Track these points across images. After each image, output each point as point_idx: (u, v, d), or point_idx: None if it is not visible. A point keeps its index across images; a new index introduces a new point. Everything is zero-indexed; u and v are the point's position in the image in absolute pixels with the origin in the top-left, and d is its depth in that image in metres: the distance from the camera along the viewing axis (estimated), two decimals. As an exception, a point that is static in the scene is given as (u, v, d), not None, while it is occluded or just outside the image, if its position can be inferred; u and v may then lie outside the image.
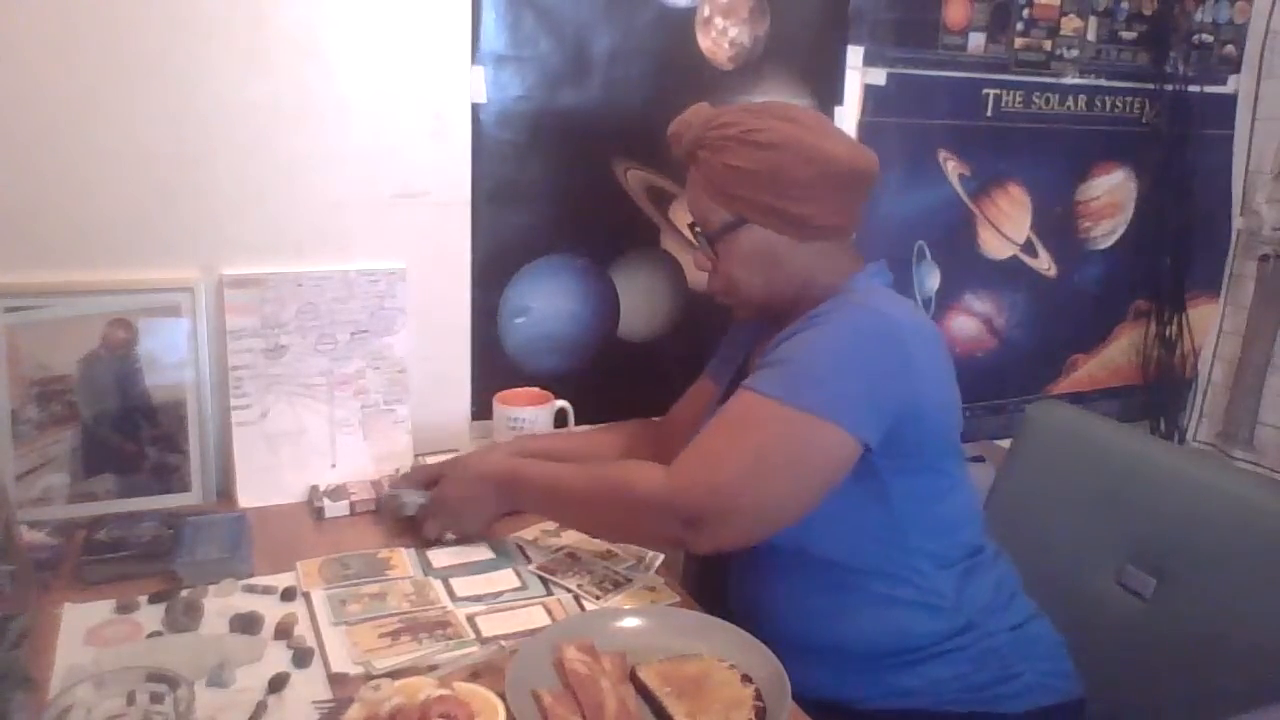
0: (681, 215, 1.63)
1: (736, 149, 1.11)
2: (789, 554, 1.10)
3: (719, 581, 1.21)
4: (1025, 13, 1.86)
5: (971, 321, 1.98)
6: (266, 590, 1.09)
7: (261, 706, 0.88)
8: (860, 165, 1.12)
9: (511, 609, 1.09)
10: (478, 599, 1.10)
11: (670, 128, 1.19)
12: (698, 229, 1.19)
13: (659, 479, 1.05)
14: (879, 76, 1.74)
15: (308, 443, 1.38)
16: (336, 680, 0.93)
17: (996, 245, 1.95)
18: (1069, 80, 1.94)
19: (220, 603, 1.05)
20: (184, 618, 1.01)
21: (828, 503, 1.04)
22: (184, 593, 1.06)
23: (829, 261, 1.15)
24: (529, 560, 1.20)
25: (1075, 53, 1.94)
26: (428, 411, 1.48)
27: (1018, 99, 1.90)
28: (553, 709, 0.86)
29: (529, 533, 1.27)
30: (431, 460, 1.42)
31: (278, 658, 0.97)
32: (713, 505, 1.02)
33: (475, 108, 1.45)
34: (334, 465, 1.39)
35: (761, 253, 1.14)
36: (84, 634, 0.99)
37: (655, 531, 1.10)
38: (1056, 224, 2.00)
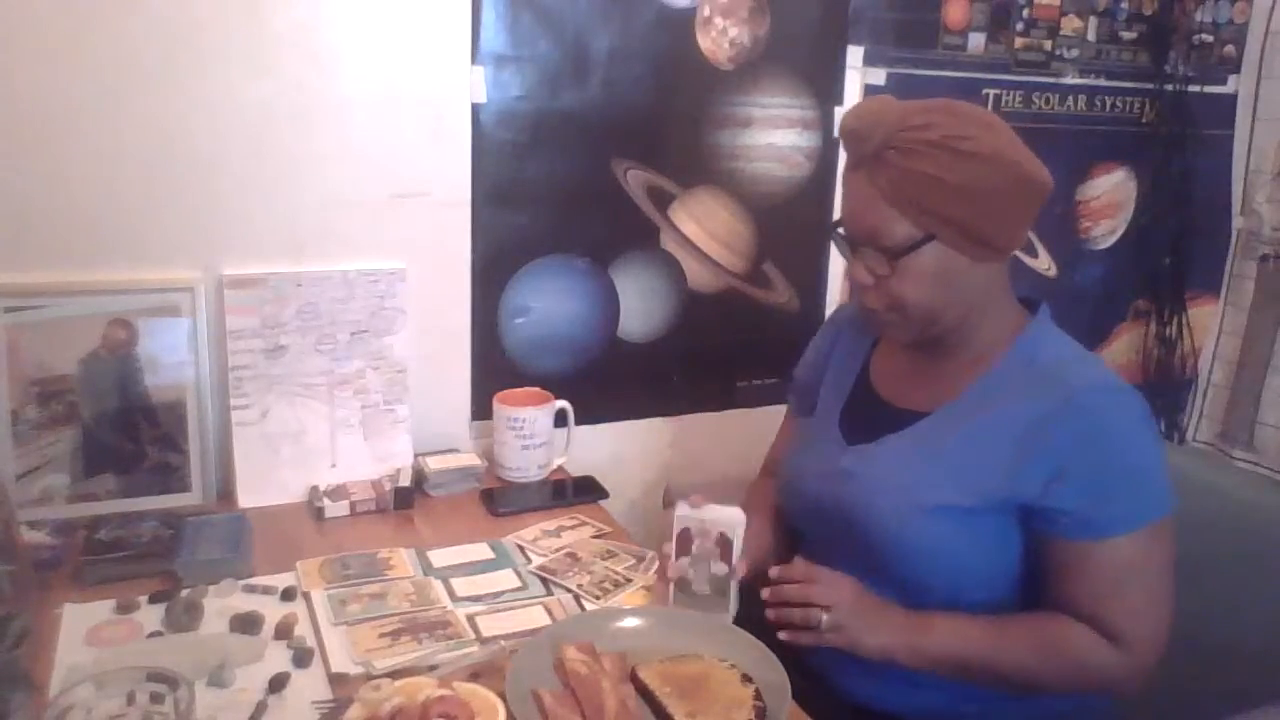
0: (682, 216, 1.63)
1: (936, 156, 0.99)
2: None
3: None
4: (1025, 13, 1.86)
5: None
6: (266, 590, 1.09)
7: (261, 706, 0.88)
8: (1047, 183, 1.05)
9: (511, 609, 1.09)
10: (478, 599, 1.10)
11: (849, 121, 1.05)
12: (859, 240, 1.05)
13: (1110, 654, 0.99)
14: (879, 76, 1.74)
15: (308, 443, 1.38)
16: (336, 680, 0.93)
17: (996, 245, 1.95)
18: (1069, 80, 1.94)
19: (220, 603, 1.05)
20: (184, 618, 1.01)
21: (996, 555, 1.04)
22: (184, 593, 1.06)
23: (994, 286, 1.07)
24: (529, 560, 1.20)
25: (1075, 53, 1.93)
26: (428, 411, 1.48)
27: (1018, 99, 1.90)
28: (553, 709, 0.86)
29: (529, 533, 1.28)
30: (434, 461, 1.42)
31: (278, 658, 0.97)
32: (1160, 655, 1.01)
33: (475, 108, 1.45)
34: (334, 465, 1.39)
35: (941, 272, 1.02)
36: (84, 634, 0.99)
37: (1102, 691, 1.06)
38: (1056, 224, 2.00)
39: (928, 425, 1.08)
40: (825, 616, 0.99)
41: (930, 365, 1.11)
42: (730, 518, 1.06)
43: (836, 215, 1.73)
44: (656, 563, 1.19)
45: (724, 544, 1.05)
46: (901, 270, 1.02)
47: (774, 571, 1.04)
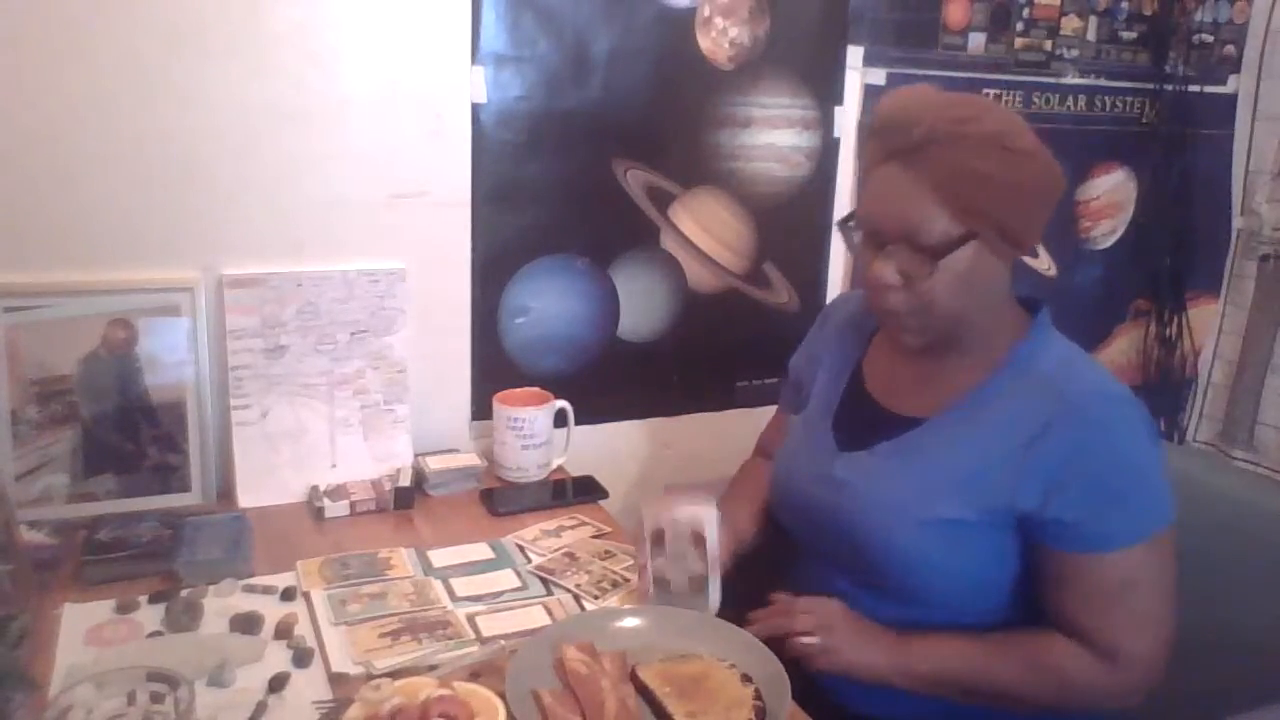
0: (682, 216, 1.63)
1: (986, 151, 0.95)
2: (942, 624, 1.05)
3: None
4: (1025, 13, 1.86)
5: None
6: (266, 590, 1.09)
7: (261, 706, 0.88)
8: (1065, 182, 1.04)
9: (511, 609, 1.09)
10: (478, 599, 1.10)
11: (888, 110, 1.01)
12: (889, 237, 0.99)
13: (1099, 672, 0.98)
14: (879, 76, 1.74)
15: (308, 443, 1.38)
16: (336, 680, 0.93)
17: (996, 245, 1.95)
18: (1069, 80, 1.94)
19: (220, 603, 1.05)
20: (184, 618, 1.01)
21: (992, 569, 1.03)
22: (184, 593, 1.06)
23: (1005, 287, 1.06)
24: (529, 560, 1.20)
25: (1075, 53, 1.93)
26: (428, 411, 1.48)
27: (1018, 99, 1.90)
28: (553, 709, 0.86)
29: (529, 533, 1.28)
30: (434, 461, 1.42)
31: (278, 658, 0.97)
32: (1160, 673, 0.99)
33: (475, 108, 1.45)
34: (334, 465, 1.39)
35: (974, 273, 0.99)
36: (84, 634, 0.99)
37: (1092, 710, 1.02)
38: (1056, 224, 2.00)
39: (923, 434, 1.06)
40: (815, 641, 1.00)
41: (927, 369, 1.09)
42: (700, 515, 1.04)
43: (838, 213, 1.75)
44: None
45: (698, 540, 1.04)
46: (938, 271, 0.97)
47: (755, 615, 1.05)
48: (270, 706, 0.89)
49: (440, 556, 1.20)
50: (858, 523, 1.05)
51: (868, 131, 1.05)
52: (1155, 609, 0.99)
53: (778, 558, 1.21)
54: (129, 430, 1.29)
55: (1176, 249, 2.13)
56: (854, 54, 1.71)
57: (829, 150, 1.72)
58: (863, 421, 1.12)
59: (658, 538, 1.06)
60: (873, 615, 1.06)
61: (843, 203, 1.77)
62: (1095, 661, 0.98)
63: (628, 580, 1.15)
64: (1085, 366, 1.06)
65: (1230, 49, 2.10)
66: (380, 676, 0.89)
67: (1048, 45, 1.90)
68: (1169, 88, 2.03)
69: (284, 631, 1.00)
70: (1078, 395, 1.00)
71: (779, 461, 1.22)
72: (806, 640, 1.00)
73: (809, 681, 1.06)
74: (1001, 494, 0.99)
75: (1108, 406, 1.00)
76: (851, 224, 1.09)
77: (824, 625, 1.01)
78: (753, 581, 1.26)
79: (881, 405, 1.13)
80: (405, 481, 1.36)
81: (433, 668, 0.95)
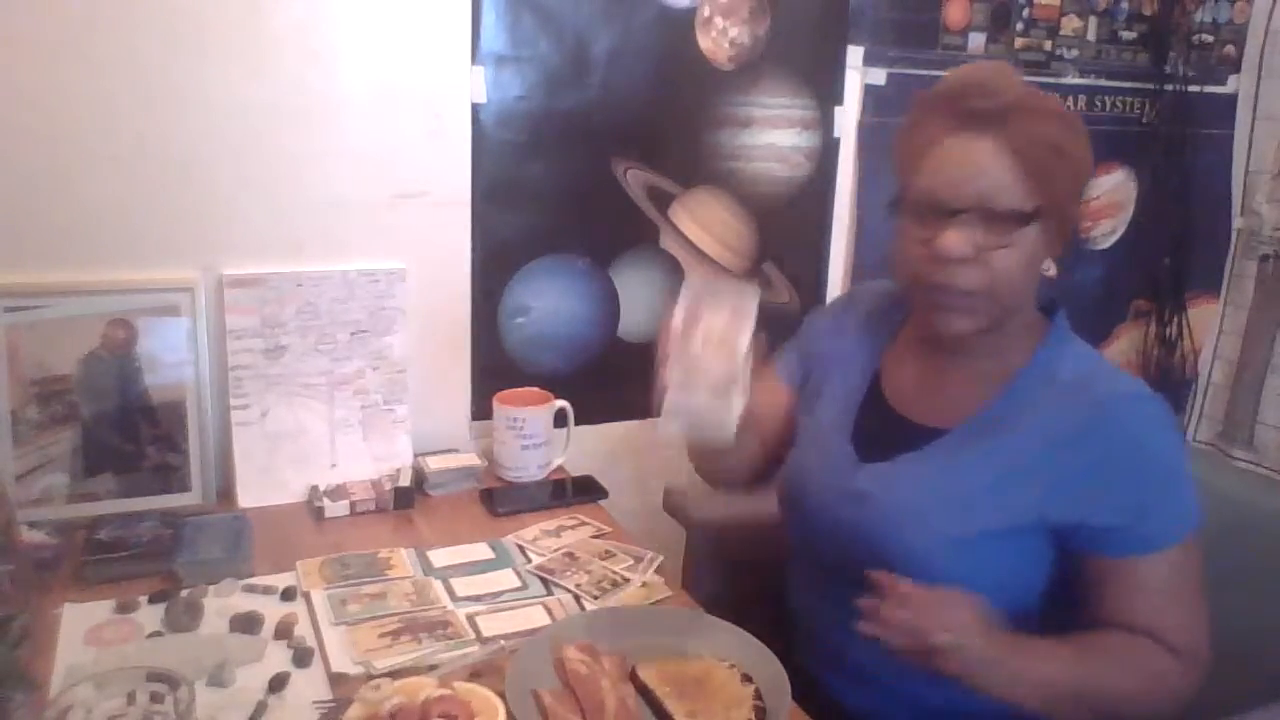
0: (683, 217, 1.63)
1: (1064, 125, 0.97)
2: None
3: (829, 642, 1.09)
4: (1025, 13, 1.86)
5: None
6: (266, 590, 1.09)
7: (261, 706, 0.88)
8: None
9: (511, 609, 1.09)
10: (478, 599, 1.10)
11: (969, 74, 1.00)
12: (965, 204, 0.95)
13: (1175, 667, 0.94)
14: (879, 76, 1.74)
15: (308, 443, 1.37)
16: (336, 680, 0.94)
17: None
18: (1069, 80, 1.94)
19: (220, 603, 1.05)
20: (184, 618, 1.01)
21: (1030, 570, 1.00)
22: (184, 593, 1.06)
23: (1036, 286, 1.04)
24: (529, 560, 1.20)
25: (1075, 53, 1.93)
26: (428, 411, 1.48)
27: (1018, 99, 1.89)
28: (553, 709, 0.86)
29: (529, 533, 1.28)
30: (434, 461, 1.42)
31: (278, 658, 0.97)
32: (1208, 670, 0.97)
33: (475, 108, 1.45)
34: (334, 465, 1.39)
35: (1034, 256, 0.99)
36: (84, 634, 0.99)
37: (1164, 713, 0.97)
38: (1056, 224, 2.00)
39: (949, 445, 1.03)
40: (946, 638, 0.87)
41: (948, 375, 1.06)
42: (743, 288, 0.95)
43: (838, 213, 1.75)
44: (656, 563, 1.19)
45: (735, 321, 0.94)
46: (1010, 245, 0.96)
47: (870, 604, 0.88)
48: (270, 706, 0.89)
49: (440, 556, 1.20)
50: (881, 536, 1.01)
51: (929, 102, 1.00)
52: (1199, 606, 0.97)
53: (774, 559, 1.21)
54: (129, 430, 1.29)
55: (1176, 249, 2.13)
56: (854, 54, 1.71)
57: (829, 150, 1.72)
58: (882, 431, 1.09)
59: (688, 322, 0.95)
60: None
61: (843, 202, 1.77)
62: (1175, 662, 0.95)
63: (627, 580, 1.15)
64: (1108, 369, 1.05)
65: (1230, 49, 2.10)
66: (380, 676, 0.89)
67: (1048, 45, 1.90)
68: (1169, 88, 2.03)
69: (284, 631, 1.00)
70: (1108, 398, 0.98)
71: (791, 470, 1.17)
72: (942, 640, 0.88)
73: (809, 682, 1.06)
74: (1031, 504, 0.97)
75: (1139, 407, 0.99)
76: (904, 201, 1.03)
77: (962, 625, 0.89)
78: (750, 586, 1.26)
79: (901, 414, 1.09)
80: (405, 481, 1.36)
81: (433, 668, 0.95)
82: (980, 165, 0.96)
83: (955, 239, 0.96)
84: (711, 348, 0.92)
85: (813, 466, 1.13)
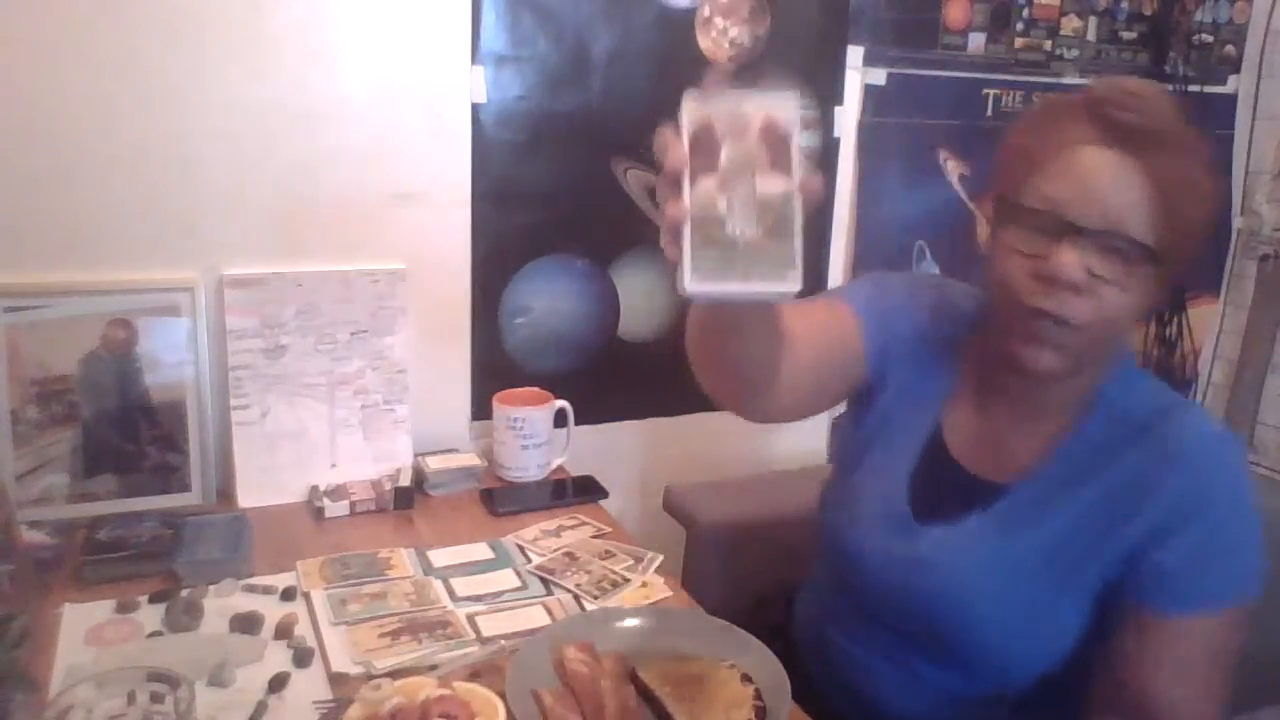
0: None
1: (1207, 174, 0.88)
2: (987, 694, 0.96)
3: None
4: (1025, 13, 1.86)
5: (971, 321, 1.97)
6: (266, 590, 1.09)
7: (261, 706, 0.88)
8: None
9: (511, 609, 1.09)
10: (478, 599, 1.10)
11: (1119, 91, 0.87)
12: (1092, 226, 0.85)
13: None
14: (879, 76, 1.74)
15: (308, 443, 1.37)
16: (336, 680, 0.93)
17: (996, 245, 1.95)
18: (1069, 80, 1.94)
19: (220, 603, 1.05)
20: (184, 618, 1.01)
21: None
22: (184, 593, 1.06)
23: None
24: (529, 560, 1.20)
25: (1075, 53, 1.93)
26: (428, 411, 1.48)
27: (1018, 99, 1.89)
28: (553, 709, 0.86)
29: (529, 533, 1.28)
30: (434, 461, 1.42)
31: (278, 658, 0.97)
32: None
33: (475, 108, 1.45)
34: (334, 465, 1.39)
35: (1142, 303, 0.90)
36: (84, 634, 0.99)
37: None
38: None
39: (1015, 502, 0.95)
40: None
41: (1009, 418, 0.98)
42: (779, 104, 0.66)
43: (838, 213, 1.75)
44: (655, 563, 1.18)
45: (774, 144, 0.64)
46: (1129, 280, 0.86)
47: None
48: (270, 706, 0.89)
49: (440, 556, 1.20)
50: (945, 606, 0.95)
51: (1068, 104, 0.90)
52: (1217, 686, 0.90)
53: (775, 560, 1.20)
54: (129, 430, 1.29)
55: (1176, 249, 2.13)
56: (854, 54, 1.71)
57: (829, 150, 1.72)
58: (942, 486, 1.00)
59: (703, 144, 0.64)
60: (924, 680, 0.99)
61: (843, 202, 1.77)
62: None
63: (628, 580, 1.15)
64: (1182, 404, 0.97)
65: (1230, 49, 2.10)
66: (380, 676, 0.89)
67: (1048, 45, 1.90)
68: (1169, 88, 2.03)
69: (284, 631, 1.00)
70: (1183, 439, 0.91)
71: (841, 515, 1.06)
72: None
73: (809, 682, 1.06)
74: (1098, 556, 0.91)
75: (1216, 451, 0.92)
76: (1014, 204, 0.90)
77: None
78: (750, 587, 1.26)
79: (963, 467, 1.00)
80: (405, 481, 1.36)
81: (433, 668, 0.95)
82: (1118, 185, 0.85)
83: (1074, 261, 0.85)
84: (740, 194, 0.63)
85: (866, 522, 1.03)
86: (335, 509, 1.31)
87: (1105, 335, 0.90)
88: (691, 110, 0.65)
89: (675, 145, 0.64)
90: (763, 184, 0.63)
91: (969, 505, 0.97)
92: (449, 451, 1.48)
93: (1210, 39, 2.07)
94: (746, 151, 0.63)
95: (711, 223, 0.63)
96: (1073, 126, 0.88)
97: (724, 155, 0.63)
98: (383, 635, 1.00)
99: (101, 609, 1.03)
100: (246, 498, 1.33)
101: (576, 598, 1.12)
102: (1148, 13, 1.98)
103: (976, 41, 1.82)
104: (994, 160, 0.97)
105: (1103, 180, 0.86)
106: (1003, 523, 0.95)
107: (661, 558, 1.20)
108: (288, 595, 1.08)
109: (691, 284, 0.63)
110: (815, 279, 1.77)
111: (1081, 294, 0.86)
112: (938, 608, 0.96)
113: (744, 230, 0.63)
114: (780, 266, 0.63)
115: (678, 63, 1.55)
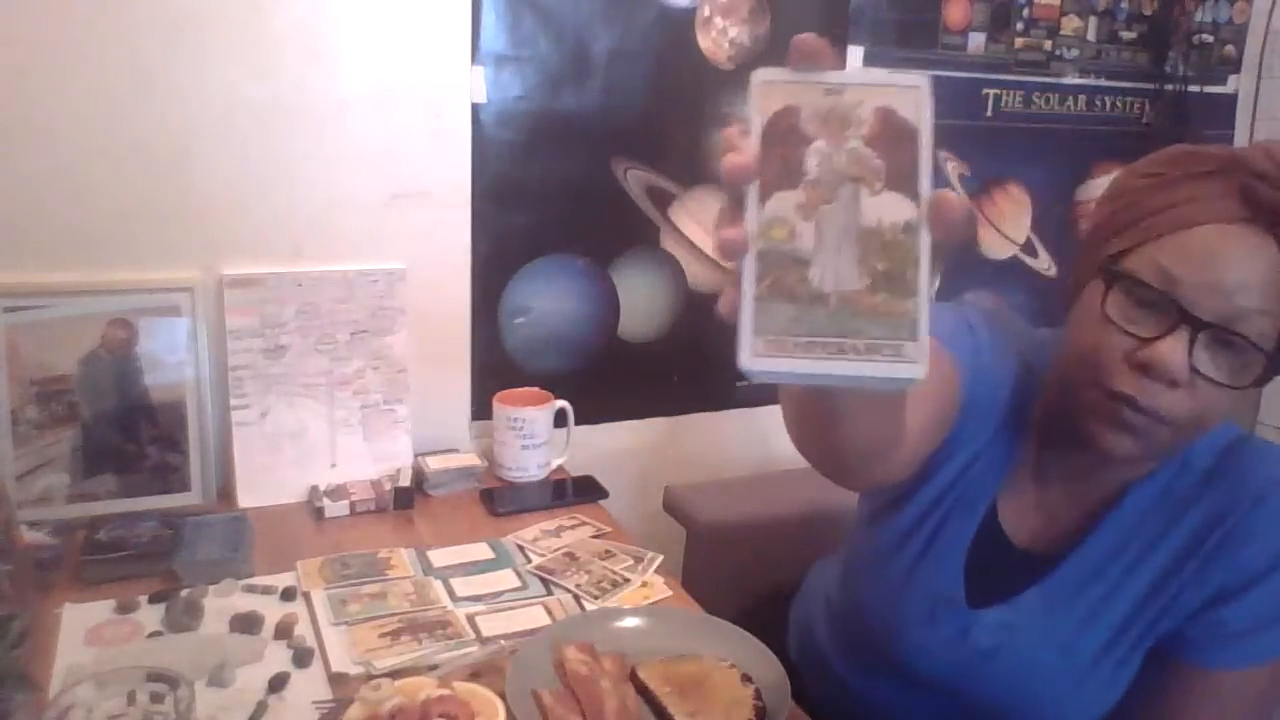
0: (683, 217, 1.62)
1: None
2: None
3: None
4: (1025, 13, 1.86)
5: (971, 321, 1.97)
6: (266, 590, 1.09)
7: (261, 706, 0.88)
8: None
9: (511, 609, 1.09)
10: (478, 599, 1.10)
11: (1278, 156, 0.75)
12: (1208, 313, 0.75)
13: None
14: (879, 76, 1.74)
15: (308, 443, 1.37)
16: (336, 680, 0.93)
17: (997, 245, 1.95)
18: (1069, 80, 1.94)
19: (220, 603, 1.05)
20: (184, 618, 1.01)
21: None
22: (184, 593, 1.06)
23: None
24: (529, 560, 1.20)
25: (1075, 53, 1.93)
26: (428, 411, 1.48)
27: (1018, 99, 1.90)
28: (553, 709, 0.86)
29: (529, 533, 1.28)
30: (434, 461, 1.42)
31: (278, 658, 0.97)
32: None
33: (475, 108, 1.45)
34: (334, 465, 1.39)
35: (1240, 400, 0.80)
36: (84, 634, 0.99)
37: None
38: (1056, 224, 2.00)
39: (1070, 574, 0.87)
40: None
41: (1064, 492, 0.90)
42: (902, 86, 0.47)
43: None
44: (655, 563, 1.19)
45: (891, 148, 0.46)
46: (1242, 381, 0.77)
47: None
48: (270, 706, 0.89)
49: (440, 556, 1.20)
50: (1004, 691, 0.90)
51: (1204, 162, 0.78)
52: None
53: (775, 560, 1.19)
54: (129, 430, 1.29)
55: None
56: (854, 54, 1.71)
57: (829, 150, 1.72)
58: (995, 566, 0.91)
59: (781, 144, 0.46)
60: None
61: (843, 203, 1.77)
62: None
63: (628, 580, 1.15)
64: (1251, 445, 0.87)
65: (1230, 49, 2.10)
66: (380, 676, 0.89)
67: (1048, 45, 1.90)
68: (1169, 88, 2.03)
69: (284, 631, 1.00)
70: (1265, 485, 0.83)
71: (877, 589, 0.97)
72: None
73: (809, 682, 1.06)
74: (1166, 615, 0.85)
75: None
76: (1119, 269, 0.78)
77: None
78: (751, 586, 1.25)
79: (1015, 544, 0.92)
80: (405, 481, 1.36)
81: (433, 668, 0.95)
82: (1256, 277, 0.73)
83: (1178, 357, 0.74)
84: (830, 222, 0.44)
85: (918, 605, 0.93)
86: (335, 509, 1.31)
87: (1199, 432, 0.81)
88: (766, 94, 0.46)
89: (740, 144, 0.45)
90: (871, 207, 0.44)
91: (1022, 582, 0.89)
92: (449, 451, 1.48)
93: (1210, 39, 2.08)
94: (849, 158, 0.44)
95: (788, 263, 0.43)
96: (1210, 195, 0.76)
97: (812, 162, 0.45)
98: (383, 635, 1.00)
99: (101, 609, 1.03)
100: (246, 498, 1.33)
101: (576, 598, 1.12)
102: (1148, 13, 1.98)
103: (976, 41, 1.82)
104: (1101, 206, 0.85)
105: (1232, 270, 0.74)
106: (1060, 598, 0.88)
107: (661, 558, 1.20)
108: (288, 595, 1.08)
109: (751, 359, 0.44)
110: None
111: (1177, 389, 0.76)
112: (996, 691, 0.90)
113: (839, 277, 0.43)
114: (895, 336, 0.43)
115: (678, 63, 1.56)
